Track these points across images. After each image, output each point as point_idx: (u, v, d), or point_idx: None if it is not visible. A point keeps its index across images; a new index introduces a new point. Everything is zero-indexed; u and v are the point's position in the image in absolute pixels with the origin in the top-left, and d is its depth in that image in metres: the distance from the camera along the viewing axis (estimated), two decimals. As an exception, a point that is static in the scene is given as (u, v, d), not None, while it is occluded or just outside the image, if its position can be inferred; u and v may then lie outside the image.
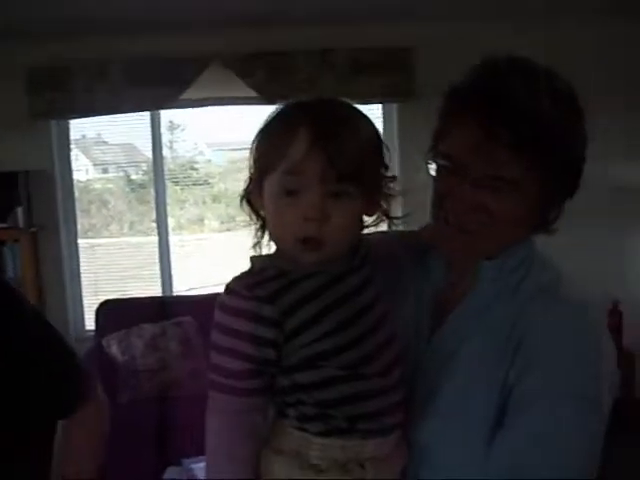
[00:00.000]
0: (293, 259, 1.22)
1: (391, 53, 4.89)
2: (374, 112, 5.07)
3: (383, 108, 5.17)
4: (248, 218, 1.30)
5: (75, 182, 5.42)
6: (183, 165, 5.85)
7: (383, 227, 1.34)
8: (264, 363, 1.20)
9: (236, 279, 1.22)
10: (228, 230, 6.17)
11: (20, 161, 4.97)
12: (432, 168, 1.36)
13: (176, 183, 5.71)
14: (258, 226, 1.29)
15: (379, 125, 4.83)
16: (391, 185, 1.29)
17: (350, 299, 1.25)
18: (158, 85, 4.86)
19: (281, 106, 1.25)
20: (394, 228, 1.35)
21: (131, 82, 4.87)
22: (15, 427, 1.65)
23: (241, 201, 1.29)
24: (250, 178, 1.27)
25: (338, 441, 1.23)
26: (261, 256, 1.27)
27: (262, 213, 1.27)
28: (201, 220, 6.14)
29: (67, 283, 5.31)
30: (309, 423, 1.23)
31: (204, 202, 6.07)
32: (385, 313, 1.31)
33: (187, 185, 5.91)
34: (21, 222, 4.92)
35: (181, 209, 5.90)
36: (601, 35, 4.86)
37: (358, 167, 1.18)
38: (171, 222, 5.54)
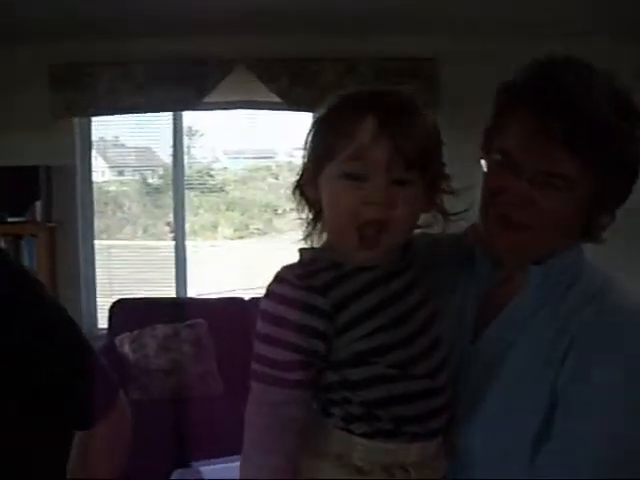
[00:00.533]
0: (346, 252, 1.20)
1: (414, 63, 4.90)
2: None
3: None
4: (297, 210, 1.28)
5: (93, 183, 5.43)
6: (199, 171, 5.86)
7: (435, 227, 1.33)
8: (313, 355, 1.17)
9: (287, 268, 1.20)
10: (241, 238, 6.18)
11: (41, 156, 4.97)
12: (484, 164, 1.36)
13: (191, 189, 5.71)
14: (310, 217, 1.28)
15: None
16: (446, 183, 1.28)
17: (401, 297, 1.24)
18: (181, 87, 4.88)
19: (342, 94, 1.24)
20: (449, 226, 1.32)
21: (154, 83, 4.89)
22: (26, 428, 1.48)
23: (294, 191, 1.27)
24: (304, 168, 1.26)
25: (382, 443, 1.21)
26: (311, 248, 1.26)
27: (315, 205, 1.26)
28: (215, 227, 6.15)
29: (82, 280, 5.30)
30: (354, 423, 1.21)
31: (218, 209, 6.08)
32: (432, 314, 1.30)
33: (203, 192, 5.92)
34: (39, 216, 4.93)
35: (195, 215, 5.90)
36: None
37: (424, 156, 1.17)
38: (186, 227, 5.53)
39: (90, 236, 5.39)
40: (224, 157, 6.04)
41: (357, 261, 1.20)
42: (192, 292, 5.50)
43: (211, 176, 5.96)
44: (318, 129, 1.24)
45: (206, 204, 6.02)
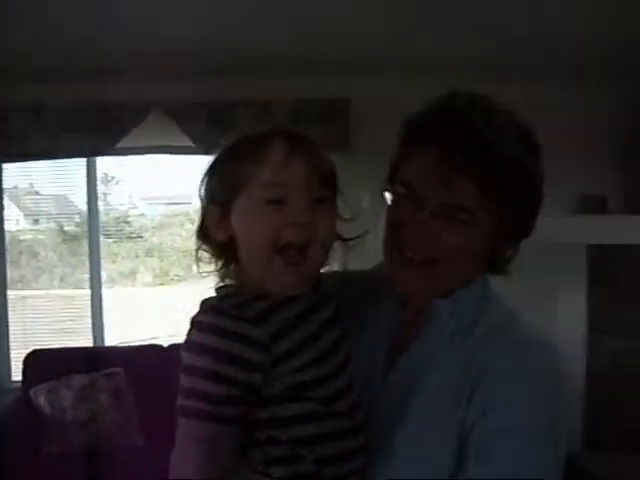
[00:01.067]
0: (269, 282, 1.18)
1: (328, 105, 4.94)
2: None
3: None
4: (197, 258, 1.26)
5: (5, 232, 5.26)
6: (117, 218, 5.79)
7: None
8: (249, 389, 1.13)
9: (220, 299, 1.18)
10: (161, 284, 6.10)
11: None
12: (387, 197, 1.36)
13: (109, 236, 5.64)
14: (220, 261, 1.25)
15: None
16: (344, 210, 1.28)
17: (327, 329, 1.23)
18: (95, 132, 4.81)
19: (240, 135, 1.24)
20: (347, 251, 1.33)
21: (67, 128, 4.80)
22: None
23: (198, 237, 1.25)
24: (206, 212, 1.24)
25: None
26: (226, 285, 1.24)
27: (223, 247, 1.24)
28: (134, 274, 6.06)
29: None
30: (273, 467, 1.17)
31: (137, 256, 6.00)
32: (349, 352, 1.29)
33: (120, 238, 5.84)
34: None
35: (113, 262, 5.81)
36: (524, 95, 5.02)
37: (333, 175, 1.21)
38: (103, 275, 5.41)
39: (2, 286, 5.22)
40: (141, 203, 6.00)
41: (282, 289, 1.19)
42: (112, 341, 5.36)
43: (128, 223, 5.89)
44: (221, 166, 1.22)
45: (124, 251, 5.94)
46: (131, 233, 5.88)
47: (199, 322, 1.14)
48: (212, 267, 1.26)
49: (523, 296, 4.79)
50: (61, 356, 4.84)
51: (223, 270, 1.25)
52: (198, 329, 1.14)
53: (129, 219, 5.89)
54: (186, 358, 1.14)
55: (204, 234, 1.25)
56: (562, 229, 4.97)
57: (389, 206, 1.35)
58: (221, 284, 1.24)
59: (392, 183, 1.35)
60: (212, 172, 1.24)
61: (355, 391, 1.26)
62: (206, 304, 1.17)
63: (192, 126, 4.81)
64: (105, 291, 5.40)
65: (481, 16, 3.81)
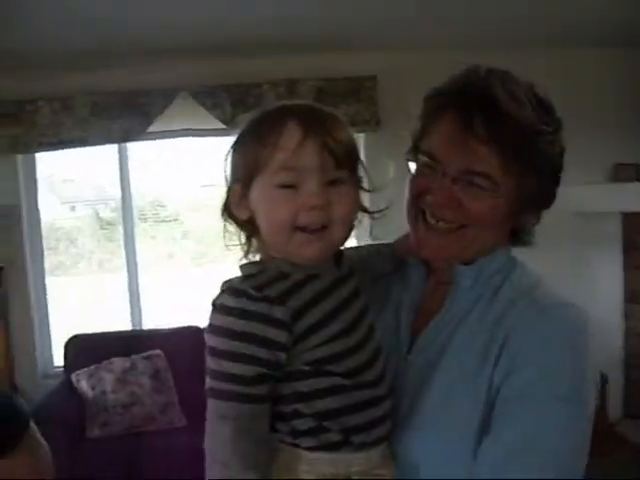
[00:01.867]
0: (291, 257, 1.21)
1: (355, 82, 4.94)
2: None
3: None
4: (229, 234, 1.27)
5: (43, 220, 5.34)
6: (152, 202, 5.84)
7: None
8: (275, 367, 1.15)
9: (239, 280, 1.18)
10: (198, 266, 6.15)
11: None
12: (411, 167, 1.39)
13: (145, 220, 5.69)
14: (244, 238, 1.26)
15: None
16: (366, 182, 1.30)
17: (347, 306, 1.25)
18: (125, 118, 4.87)
19: (261, 111, 1.25)
20: (373, 224, 1.34)
21: (97, 115, 4.87)
22: None
23: (222, 215, 1.26)
24: (229, 190, 1.25)
25: (328, 455, 1.20)
26: (251, 262, 1.25)
27: (247, 225, 1.25)
28: (171, 257, 6.11)
29: (35, 320, 5.22)
30: (301, 438, 1.20)
31: (174, 238, 6.05)
32: (372, 324, 1.31)
33: (156, 222, 5.89)
34: (-16, 260, 4.85)
35: (151, 246, 5.87)
36: (550, 65, 4.97)
37: (351, 154, 1.21)
38: (139, 259, 5.48)
39: (41, 274, 5.30)
40: (176, 186, 6.03)
41: (304, 261, 1.20)
42: (150, 324, 5.44)
43: (163, 206, 5.93)
44: (241, 147, 1.24)
45: (161, 235, 5.99)
46: (167, 217, 5.92)
47: (220, 304, 1.16)
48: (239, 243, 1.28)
49: (558, 265, 4.83)
50: (101, 340, 4.94)
51: (247, 245, 1.27)
52: (220, 311, 1.16)
53: (164, 203, 5.93)
54: (211, 340, 1.16)
55: (228, 211, 1.26)
56: (596, 198, 4.94)
57: (412, 175, 1.38)
58: (244, 261, 1.25)
59: (415, 154, 1.38)
60: (234, 151, 1.25)
61: (381, 361, 1.29)
62: (226, 286, 1.18)
63: (219, 108, 4.85)
64: (143, 275, 5.46)
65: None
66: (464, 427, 1.24)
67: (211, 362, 1.16)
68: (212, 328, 1.17)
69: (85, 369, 4.68)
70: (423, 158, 1.35)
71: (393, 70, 4.86)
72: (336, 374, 1.19)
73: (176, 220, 5.98)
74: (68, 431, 4.33)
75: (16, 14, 3.73)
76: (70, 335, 4.97)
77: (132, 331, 5.27)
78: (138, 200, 5.51)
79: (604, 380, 4.74)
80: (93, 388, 4.58)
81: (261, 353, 1.13)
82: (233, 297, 1.15)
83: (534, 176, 1.30)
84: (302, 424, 1.20)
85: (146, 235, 5.71)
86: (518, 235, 1.41)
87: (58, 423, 4.30)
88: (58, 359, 5.14)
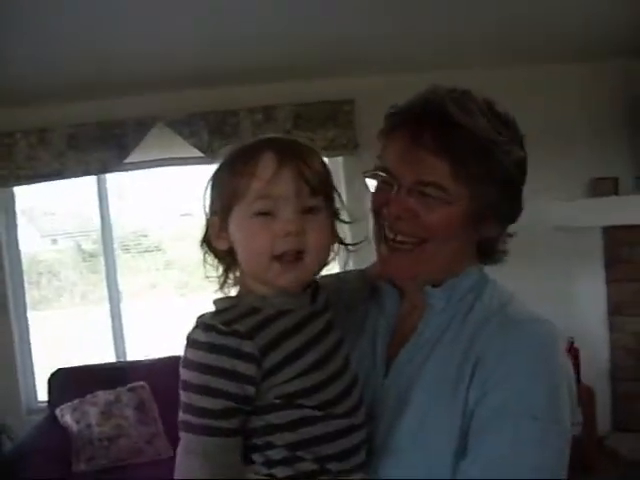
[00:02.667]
0: (266, 285, 1.22)
1: (333, 106, 4.95)
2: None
3: (329, 162, 5.12)
4: (209, 266, 1.29)
5: (24, 253, 5.31)
6: (134, 232, 5.82)
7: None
8: (244, 401, 1.16)
9: (210, 316, 1.19)
10: (181, 296, 6.12)
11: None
12: (371, 187, 1.40)
13: (127, 251, 5.67)
14: (222, 270, 1.29)
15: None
16: (344, 213, 1.32)
17: (322, 338, 1.26)
18: (102, 149, 4.87)
19: (237, 144, 1.28)
20: (350, 256, 1.35)
21: (74, 147, 4.87)
22: None
23: (202, 246, 1.29)
24: (208, 222, 1.27)
25: None
26: (225, 297, 1.27)
27: (225, 257, 1.27)
28: (154, 287, 6.08)
29: (17, 355, 5.18)
30: (276, 468, 1.20)
31: (156, 269, 6.03)
32: (348, 356, 1.32)
33: (139, 252, 5.86)
34: (-33, 295, 4.81)
35: (134, 276, 5.84)
36: (533, 79, 5.02)
37: (326, 184, 1.24)
38: (123, 290, 5.45)
39: (22, 309, 5.27)
40: (156, 216, 6.01)
41: (281, 288, 1.22)
42: (135, 354, 5.40)
43: (145, 236, 5.91)
44: (219, 178, 1.26)
45: (143, 265, 5.97)
46: (149, 246, 5.90)
47: (192, 339, 1.17)
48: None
49: (541, 281, 4.84)
50: (85, 373, 4.89)
51: (223, 278, 1.29)
52: (191, 346, 1.17)
53: (146, 233, 5.91)
54: (183, 374, 1.17)
55: (207, 243, 1.29)
56: (576, 213, 4.96)
57: (371, 193, 1.40)
58: (219, 295, 1.27)
59: (373, 171, 1.39)
60: (212, 184, 1.27)
61: (357, 390, 1.29)
62: (199, 321, 1.19)
63: (196, 136, 4.86)
64: (126, 306, 5.44)
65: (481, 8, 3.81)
66: (442, 449, 1.23)
67: (183, 395, 1.17)
68: (184, 362, 1.18)
69: (69, 403, 4.63)
70: (380, 174, 1.37)
71: (371, 93, 4.85)
72: (308, 407, 1.20)
73: (159, 250, 5.96)
74: (54, 466, 4.29)
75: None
76: (54, 369, 4.92)
77: (116, 363, 5.22)
78: (119, 231, 5.49)
79: (591, 394, 4.74)
80: (78, 422, 4.53)
81: (230, 387, 1.14)
82: (203, 332, 1.17)
83: (490, 185, 1.30)
84: (276, 454, 1.20)
85: (128, 266, 5.68)
86: (487, 252, 1.42)
87: (43, 458, 4.27)
88: (42, 394, 5.09)
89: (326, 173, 1.25)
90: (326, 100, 4.97)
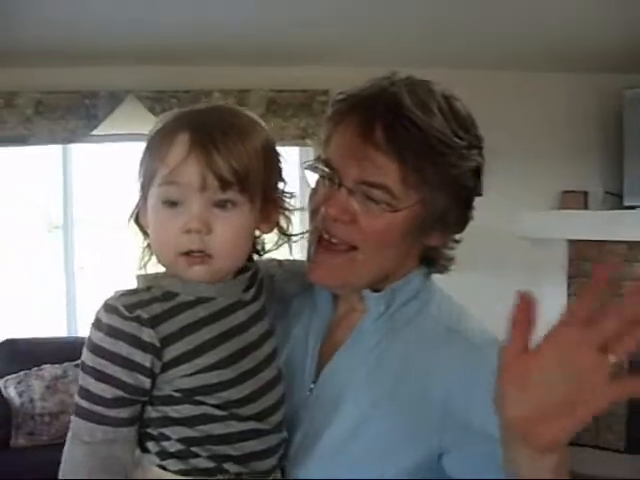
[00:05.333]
0: (181, 278, 1.12)
1: (307, 95, 4.90)
2: (291, 155, 5.04)
3: (300, 151, 5.13)
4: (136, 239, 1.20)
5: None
6: (96, 206, 5.71)
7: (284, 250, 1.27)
8: (136, 392, 1.09)
9: (118, 295, 1.10)
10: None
11: None
12: (311, 180, 1.29)
13: (86, 224, 5.56)
14: (145, 245, 1.19)
15: (295, 168, 4.81)
16: (290, 201, 1.22)
17: (239, 333, 1.16)
18: (70, 118, 4.77)
19: (165, 115, 1.17)
20: (292, 246, 1.26)
21: (41, 114, 4.75)
22: None
23: (129, 221, 1.20)
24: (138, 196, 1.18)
25: None
26: (148, 275, 1.17)
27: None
28: (112, 262, 5.99)
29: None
30: (169, 460, 1.12)
31: (115, 244, 5.93)
32: (274, 351, 1.23)
33: (101, 227, 5.76)
34: None
35: (92, 251, 5.74)
36: (500, 88, 4.99)
37: (244, 175, 1.10)
38: (81, 264, 5.37)
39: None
40: (119, 191, 5.90)
41: (192, 291, 1.13)
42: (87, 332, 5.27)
43: (106, 211, 5.81)
44: (142, 154, 1.16)
45: (103, 239, 5.86)
46: (111, 223, 5.80)
47: (98, 319, 1.09)
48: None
49: (503, 289, 4.80)
50: (33, 346, 4.79)
51: (145, 255, 1.19)
52: (94, 325, 1.09)
53: (109, 208, 5.80)
54: (84, 354, 1.10)
55: (136, 220, 1.19)
56: (543, 224, 4.96)
57: (312, 188, 1.28)
58: (141, 272, 1.18)
59: (315, 164, 1.27)
60: (140, 160, 1.17)
61: (274, 393, 1.20)
62: (108, 300, 1.10)
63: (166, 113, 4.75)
64: (83, 281, 5.35)
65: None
66: (375, 463, 1.17)
67: (80, 376, 1.10)
68: (87, 341, 1.10)
69: (14, 375, 4.53)
70: (322, 168, 1.24)
71: (346, 85, 4.82)
72: (208, 404, 1.12)
73: (121, 227, 5.86)
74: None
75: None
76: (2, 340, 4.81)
77: (67, 338, 5.12)
78: (81, 204, 5.36)
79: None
80: (20, 395, 4.43)
81: (123, 375, 1.07)
82: (105, 312, 1.08)
83: (441, 193, 1.20)
84: (170, 446, 1.12)
85: (87, 240, 5.57)
86: (431, 259, 1.31)
87: (-20, 431, 4.19)
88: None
89: (249, 161, 1.11)
90: (301, 89, 4.89)
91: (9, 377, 4.53)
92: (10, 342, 4.79)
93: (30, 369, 4.56)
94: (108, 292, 1.13)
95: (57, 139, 4.87)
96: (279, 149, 1.20)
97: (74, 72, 4.72)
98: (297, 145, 5.06)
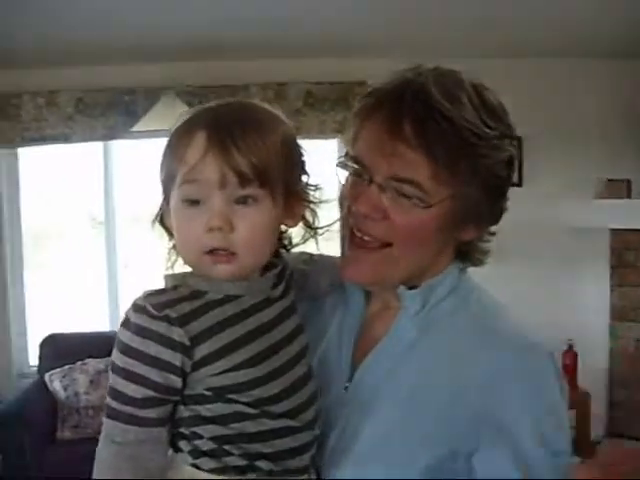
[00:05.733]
0: (207, 277, 1.12)
1: (345, 88, 4.87)
2: (330, 147, 5.03)
3: (339, 143, 5.07)
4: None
5: (24, 216, 5.26)
6: (137, 201, 5.75)
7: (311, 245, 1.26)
8: (167, 392, 1.09)
9: (146, 295, 1.10)
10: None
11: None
12: (341, 176, 1.27)
13: (129, 219, 5.60)
14: (171, 245, 1.19)
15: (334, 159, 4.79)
16: (315, 194, 1.21)
17: (269, 330, 1.15)
18: (110, 116, 4.82)
19: (185, 112, 1.17)
20: (319, 240, 1.25)
21: (81, 112, 4.81)
22: None
23: (153, 222, 1.20)
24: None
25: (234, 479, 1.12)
26: (176, 274, 1.16)
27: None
28: (154, 257, 6.01)
29: (11, 317, 5.13)
30: (202, 459, 1.12)
31: (157, 239, 5.96)
32: (304, 347, 1.22)
33: (140, 221, 5.80)
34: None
35: (134, 246, 5.78)
36: (544, 76, 4.92)
37: (263, 170, 1.09)
38: (123, 259, 5.41)
39: (19, 271, 5.24)
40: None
41: (219, 289, 1.12)
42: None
43: (148, 205, 5.83)
44: (163, 154, 1.15)
45: (144, 234, 5.89)
46: (151, 216, 5.82)
47: (127, 319, 1.10)
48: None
49: (546, 281, 4.77)
50: (77, 340, 4.86)
51: (172, 255, 1.19)
52: (123, 324, 1.10)
53: (149, 202, 5.83)
54: (114, 354, 1.10)
55: (161, 216, 1.19)
56: (585, 213, 4.89)
57: (342, 185, 1.26)
58: (169, 272, 1.18)
59: (344, 160, 1.25)
60: (160, 159, 1.17)
61: (307, 390, 1.19)
62: (137, 300, 1.11)
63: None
64: (124, 275, 5.39)
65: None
66: (407, 466, 1.15)
67: (110, 377, 1.10)
68: (116, 341, 1.10)
69: (59, 369, 4.61)
70: (352, 164, 1.23)
71: (384, 76, 4.80)
72: (240, 402, 1.11)
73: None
74: (38, 432, 4.30)
75: (3, 10, 3.67)
76: (46, 334, 4.90)
77: (109, 332, 5.16)
78: (123, 199, 5.40)
79: (586, 398, 4.69)
80: (66, 389, 4.52)
81: (153, 375, 1.07)
82: (134, 312, 1.09)
83: (474, 186, 1.17)
84: (202, 445, 1.12)
85: (129, 235, 5.62)
86: (465, 253, 1.29)
87: (28, 423, 4.26)
88: (34, 358, 5.06)
89: (269, 155, 1.10)
90: (339, 81, 4.87)
91: (54, 371, 4.62)
92: (55, 337, 4.88)
93: (74, 363, 4.64)
94: (150, 286, 1.13)
95: (97, 136, 4.93)
96: (311, 142, 1.20)
97: (113, 70, 4.77)
98: (334, 139, 5.04)
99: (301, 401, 1.17)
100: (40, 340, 4.87)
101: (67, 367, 4.61)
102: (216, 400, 1.11)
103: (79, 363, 4.63)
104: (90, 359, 4.63)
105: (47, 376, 4.61)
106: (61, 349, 4.76)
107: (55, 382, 4.55)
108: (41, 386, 4.63)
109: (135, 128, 4.77)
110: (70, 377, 4.55)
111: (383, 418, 1.19)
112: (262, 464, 1.12)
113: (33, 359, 5.12)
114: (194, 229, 1.09)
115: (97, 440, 1.11)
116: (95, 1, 3.70)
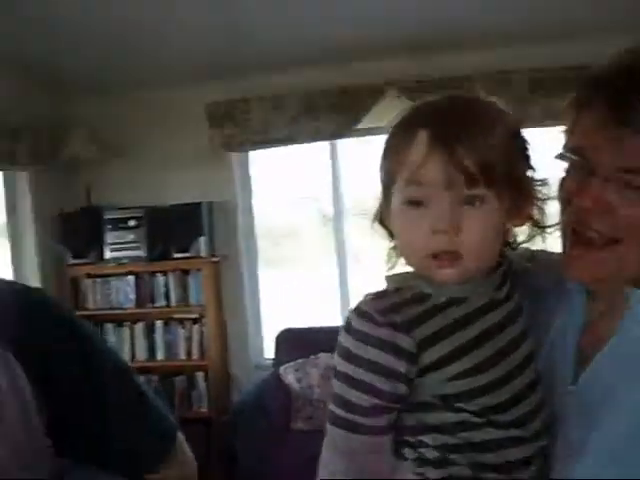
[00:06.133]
0: (430, 279, 1.08)
1: (571, 73, 4.65)
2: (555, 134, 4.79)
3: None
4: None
5: (257, 215, 5.52)
6: (366, 198, 5.81)
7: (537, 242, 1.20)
8: (392, 399, 1.07)
9: (369, 300, 1.09)
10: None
11: (203, 192, 5.15)
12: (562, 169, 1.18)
13: (359, 216, 5.67)
14: (392, 245, 1.16)
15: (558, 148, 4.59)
16: (541, 189, 1.14)
17: (494, 334, 1.10)
18: (334, 115, 4.91)
19: (406, 109, 1.13)
20: (547, 238, 1.19)
21: (307, 113, 4.95)
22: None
23: (373, 221, 1.18)
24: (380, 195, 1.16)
25: None
26: (398, 275, 1.14)
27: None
28: (384, 252, 6.07)
29: (248, 311, 5.40)
30: (427, 467, 1.09)
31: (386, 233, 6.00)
32: (531, 352, 1.16)
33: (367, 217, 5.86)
34: (203, 251, 5.07)
35: (364, 242, 5.85)
36: None
37: (490, 169, 1.04)
38: (353, 255, 5.49)
39: (254, 268, 5.48)
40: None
41: (443, 292, 1.09)
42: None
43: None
44: (382, 154, 1.13)
45: (374, 229, 5.95)
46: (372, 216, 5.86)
47: (350, 325, 1.08)
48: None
49: None
50: (310, 335, 5.01)
51: (392, 255, 1.17)
52: (345, 330, 1.09)
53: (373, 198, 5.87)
54: (337, 360, 1.10)
55: (380, 215, 1.17)
56: None
57: (561, 178, 1.18)
58: (391, 272, 1.15)
59: (564, 152, 1.17)
60: (380, 161, 1.15)
61: (533, 398, 1.13)
62: (360, 305, 1.09)
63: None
64: (355, 271, 5.46)
65: None
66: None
67: (334, 383, 1.10)
68: (339, 347, 1.10)
69: (292, 363, 4.80)
70: (571, 156, 1.14)
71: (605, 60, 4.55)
72: (467, 411, 1.07)
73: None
74: (274, 421, 4.50)
75: (233, 16, 3.87)
76: (281, 329, 5.12)
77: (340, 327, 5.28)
78: (351, 196, 5.49)
79: None
80: (299, 381, 4.69)
81: (379, 383, 1.05)
82: (358, 318, 1.07)
83: None
84: (428, 453, 1.09)
85: (359, 231, 5.70)
86: None
87: (264, 413, 4.47)
88: (268, 351, 5.30)
89: (496, 152, 1.04)
90: (561, 66, 4.63)
91: (288, 365, 4.82)
92: (289, 331, 5.08)
93: (307, 357, 4.80)
94: (379, 281, 1.13)
95: (323, 136, 5.05)
96: (525, 134, 1.13)
97: (335, 69, 4.86)
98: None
99: (528, 409, 1.12)
100: (276, 334, 5.09)
101: (300, 361, 4.79)
102: (443, 408, 1.08)
103: (312, 357, 4.79)
104: (322, 353, 4.75)
105: (282, 369, 4.82)
106: (295, 343, 4.95)
107: (289, 375, 4.74)
108: (276, 378, 4.84)
109: (360, 126, 4.84)
110: (303, 370, 4.73)
111: (614, 427, 1.10)
112: (489, 475, 1.09)
113: (268, 352, 5.36)
114: (418, 231, 1.06)
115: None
116: (315, 4, 3.78)
